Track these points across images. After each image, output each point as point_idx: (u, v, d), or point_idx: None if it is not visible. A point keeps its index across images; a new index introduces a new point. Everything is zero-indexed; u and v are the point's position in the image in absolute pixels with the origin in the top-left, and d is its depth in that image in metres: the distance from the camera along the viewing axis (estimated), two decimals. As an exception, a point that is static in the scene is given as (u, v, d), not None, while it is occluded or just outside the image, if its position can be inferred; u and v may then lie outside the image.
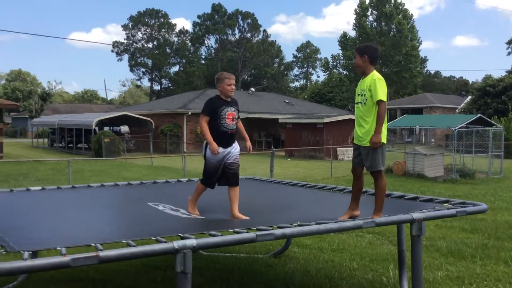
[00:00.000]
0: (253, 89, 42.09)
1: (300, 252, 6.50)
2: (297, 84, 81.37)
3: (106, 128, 31.89)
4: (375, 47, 4.25)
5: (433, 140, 32.03)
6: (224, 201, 5.71)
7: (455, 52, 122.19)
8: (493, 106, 32.88)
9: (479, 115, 19.19)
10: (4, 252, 2.88)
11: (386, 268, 5.69)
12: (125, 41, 69.28)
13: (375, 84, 3.87)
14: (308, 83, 79.20)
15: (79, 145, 31.55)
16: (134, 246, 2.80)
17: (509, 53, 68.04)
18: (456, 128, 16.92)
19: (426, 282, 5.04)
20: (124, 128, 30.93)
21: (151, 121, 30.41)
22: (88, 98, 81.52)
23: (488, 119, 19.48)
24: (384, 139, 3.97)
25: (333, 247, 6.75)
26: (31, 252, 2.69)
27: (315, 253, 6.45)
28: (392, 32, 58.75)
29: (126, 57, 69.92)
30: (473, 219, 8.62)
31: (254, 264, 5.95)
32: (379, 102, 3.90)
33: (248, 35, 68.09)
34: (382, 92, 3.87)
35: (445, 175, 16.67)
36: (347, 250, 6.64)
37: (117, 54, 69.77)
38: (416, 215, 3.89)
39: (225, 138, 4.56)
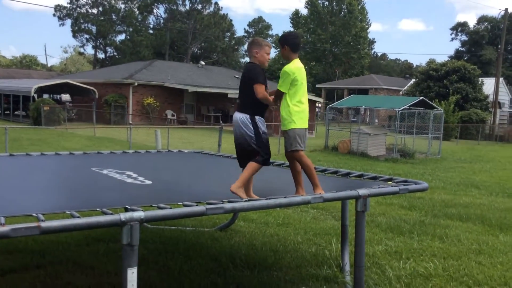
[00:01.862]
0: (202, 63, 41.46)
1: (246, 226, 6.55)
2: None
3: (45, 96, 30.42)
4: (295, 35, 4.31)
5: (376, 120, 33.04)
6: (177, 171, 5.63)
7: (401, 35, 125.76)
8: (435, 90, 34.23)
9: (421, 98, 19.94)
10: None
11: (328, 242, 5.86)
12: (68, 5, 65.80)
13: (282, 73, 3.97)
14: (258, 59, 78.96)
15: (16, 112, 29.98)
16: (78, 217, 2.69)
17: (452, 39, 70.94)
18: (400, 109, 17.50)
19: (367, 255, 5.22)
20: (65, 97, 29.61)
21: (95, 90, 29.35)
22: (26, 64, 77.22)
23: (430, 102, 20.27)
24: (301, 125, 3.96)
25: (279, 222, 6.86)
26: (-36, 222, 2.51)
27: (260, 227, 6.53)
28: (343, 12, 59.49)
29: (68, 22, 66.43)
30: (411, 197, 9.01)
31: (200, 237, 5.94)
32: (277, 90, 3.97)
33: (199, 6, 66.63)
34: (281, 81, 3.94)
35: (386, 154, 17.29)
36: (292, 224, 6.77)
37: (59, 18, 66.21)
38: (362, 191, 3.99)
39: (265, 109, 4.28)
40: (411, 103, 18.24)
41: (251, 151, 4.05)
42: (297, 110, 3.97)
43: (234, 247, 5.55)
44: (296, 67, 3.95)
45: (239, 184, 3.90)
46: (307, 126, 4.11)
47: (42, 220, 2.58)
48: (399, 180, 4.82)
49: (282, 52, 4.11)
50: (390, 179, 4.92)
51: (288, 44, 4.04)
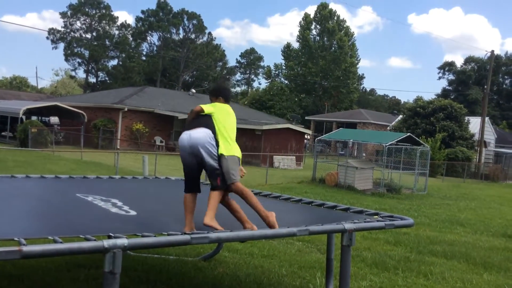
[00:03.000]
0: (193, 91, 41.74)
1: (230, 257, 6.48)
2: (238, 89, 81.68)
3: (34, 118, 30.27)
4: (227, 88, 4.56)
5: (364, 154, 33.28)
6: (163, 199, 5.58)
7: (389, 72, 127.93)
8: (422, 127, 34.69)
9: (408, 134, 20.19)
10: None
11: (313, 275, 5.81)
12: (62, 29, 66.22)
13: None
14: (249, 90, 79.76)
15: (3, 133, 29.70)
16: (61, 242, 2.65)
17: (439, 78, 72.37)
18: (387, 144, 17.67)
19: (351, 291, 5.19)
20: (54, 119, 29.48)
21: (84, 114, 29.28)
22: (16, 85, 76.95)
23: (417, 138, 20.52)
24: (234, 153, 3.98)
25: (264, 253, 6.80)
26: None
27: (245, 258, 6.46)
28: (333, 48, 60.60)
29: (62, 45, 66.86)
30: (397, 232, 9.01)
31: (183, 267, 5.86)
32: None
33: (193, 35, 67.52)
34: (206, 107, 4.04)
35: (373, 188, 17.35)
36: (277, 256, 6.71)
37: (53, 41, 66.51)
38: (348, 225, 3.99)
39: None
40: (398, 139, 18.45)
41: (212, 173, 3.87)
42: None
43: (217, 278, 5.48)
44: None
45: (212, 214, 3.75)
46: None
47: (24, 245, 2.54)
48: (385, 215, 4.84)
49: (214, 102, 4.22)
50: (376, 214, 4.93)
51: (222, 96, 4.24)
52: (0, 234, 3.09)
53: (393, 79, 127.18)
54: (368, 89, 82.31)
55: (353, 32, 62.95)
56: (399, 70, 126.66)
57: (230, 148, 3.97)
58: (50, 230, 3.50)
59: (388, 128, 41.40)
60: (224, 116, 4.05)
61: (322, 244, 7.51)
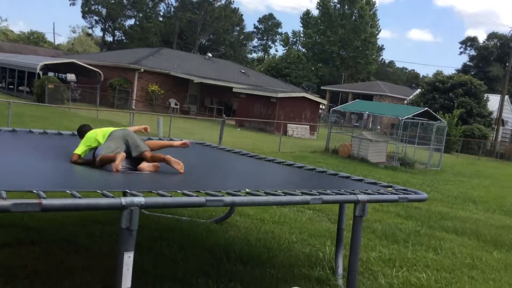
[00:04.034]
0: (210, 55, 41.37)
1: (242, 221, 6.56)
2: (254, 55, 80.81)
3: (51, 74, 30.41)
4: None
5: (379, 127, 33.04)
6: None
7: (409, 44, 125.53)
8: (440, 102, 34.18)
9: (426, 108, 19.91)
10: None
11: (323, 244, 5.86)
12: (81, -15, 65.65)
13: None
14: (265, 56, 78.91)
15: (20, 88, 29.95)
16: (79, 197, 2.69)
17: (461, 53, 70.83)
18: (403, 118, 17.48)
19: (360, 261, 5.22)
20: (71, 76, 29.57)
21: (100, 72, 29.31)
22: (34, 40, 77.04)
23: (434, 113, 20.25)
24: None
25: (275, 219, 6.86)
26: (-34, 192, 2.51)
27: (256, 223, 6.53)
28: (354, 16, 59.35)
29: (79, 2, 66.42)
30: (408, 206, 9.01)
31: (195, 228, 5.95)
32: None
33: (211, -2, 66.46)
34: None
35: (386, 161, 17.29)
36: (288, 223, 6.78)
37: (71, -3, 66.15)
38: (361, 196, 3.98)
39: None
40: (415, 113, 18.22)
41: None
42: None
43: (228, 240, 5.56)
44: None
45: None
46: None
47: (43, 198, 2.58)
48: (399, 188, 4.81)
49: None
50: (390, 186, 4.91)
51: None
52: (19, 186, 3.14)
53: (413, 51, 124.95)
54: (387, 61, 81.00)
55: (374, 1, 61.42)
56: (419, 43, 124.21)
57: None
58: (67, 184, 3.55)
59: (405, 101, 40.89)
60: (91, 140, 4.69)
61: (332, 214, 7.55)
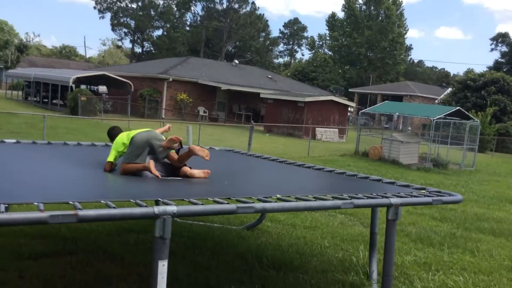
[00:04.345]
0: (236, 61, 41.65)
1: (273, 227, 6.56)
2: (281, 60, 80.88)
3: (83, 87, 31.19)
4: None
5: (410, 128, 32.49)
6: (208, 168, 5.66)
7: (438, 42, 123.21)
8: (472, 100, 33.39)
9: (458, 107, 19.48)
10: (-22, 203, 2.79)
11: (356, 248, 5.80)
12: (109, -1, 67.30)
13: None
14: (292, 61, 78.85)
15: (54, 101, 30.79)
16: (114, 207, 2.75)
17: (492, 50, 69.03)
18: (435, 118, 17.15)
19: (395, 265, 5.14)
20: (102, 88, 30.28)
21: (131, 83, 29.87)
22: (66, 54, 79.25)
23: (466, 112, 19.79)
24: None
25: (306, 224, 6.84)
26: (7, 205, 2.61)
27: (287, 229, 6.52)
28: (380, 17, 58.72)
29: (108, 15, 68.10)
30: (443, 208, 8.83)
31: (227, 235, 5.98)
32: None
33: (236, 5, 66.98)
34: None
35: (419, 163, 16.98)
36: (319, 228, 6.74)
37: (100, 11, 67.86)
38: (394, 200, 3.93)
39: None
40: (446, 113, 17.84)
41: None
42: None
43: (260, 246, 5.56)
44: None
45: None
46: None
47: (79, 209, 2.65)
48: (433, 191, 4.73)
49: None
50: (423, 189, 4.83)
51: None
52: (55, 198, 3.23)
53: (442, 50, 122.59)
54: (415, 61, 79.66)
55: (401, 1, 60.60)
56: (448, 41, 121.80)
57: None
58: (101, 194, 3.64)
59: (436, 101, 40.11)
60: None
61: (365, 217, 7.47)
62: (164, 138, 4.66)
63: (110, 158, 4.60)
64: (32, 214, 2.45)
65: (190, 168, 4.62)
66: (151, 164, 4.37)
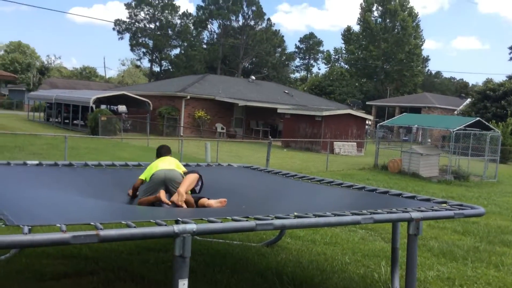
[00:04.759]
0: (253, 77, 41.93)
1: (292, 243, 6.52)
2: (297, 75, 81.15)
3: (103, 107, 31.72)
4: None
5: (429, 140, 32.12)
6: (226, 186, 5.70)
7: (456, 53, 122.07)
8: (492, 110, 32.92)
9: (478, 118, 19.22)
10: (3, 226, 2.86)
11: (378, 264, 5.73)
12: (127, 20, 68.70)
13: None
14: (308, 75, 79.02)
15: (75, 122, 31.35)
16: (134, 227, 2.79)
17: (511, 58, 68.11)
18: (455, 130, 16.95)
19: (418, 281, 5.07)
20: (122, 108, 30.79)
21: (149, 102, 30.27)
22: (86, 75, 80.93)
23: (487, 123, 19.51)
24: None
25: (326, 240, 6.78)
26: (30, 227, 2.66)
27: (307, 245, 6.47)
28: (396, 29, 58.60)
29: (127, 36, 69.48)
30: (465, 221, 8.67)
31: (246, 252, 5.97)
32: None
33: (252, 22, 67.65)
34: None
35: (439, 175, 16.74)
36: (340, 244, 6.67)
37: (119, 32, 69.27)
38: (415, 214, 3.89)
39: None
40: (466, 124, 17.61)
41: None
42: None
43: (280, 264, 5.54)
44: None
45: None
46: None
47: (101, 229, 2.69)
48: (454, 204, 4.66)
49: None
50: (444, 202, 4.77)
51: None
52: (77, 219, 3.29)
53: (460, 60, 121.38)
54: (433, 72, 78.95)
55: (417, 13, 60.50)
56: (466, 51, 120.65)
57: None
58: (122, 215, 3.69)
59: (455, 112, 39.63)
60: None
61: (386, 232, 7.38)
62: (183, 175, 4.78)
63: (142, 176, 4.83)
64: (55, 235, 2.50)
65: (208, 199, 4.71)
66: (162, 193, 4.50)
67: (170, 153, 5.42)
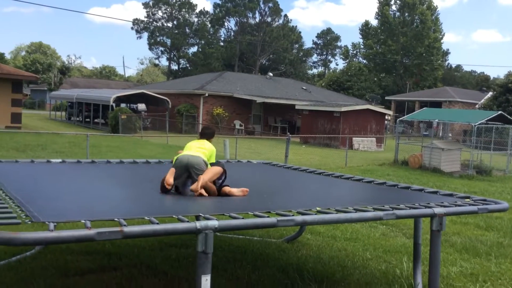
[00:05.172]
0: (271, 74, 41.86)
1: (313, 239, 6.51)
2: (315, 71, 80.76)
3: (123, 105, 32.06)
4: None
5: (450, 134, 31.67)
6: (246, 182, 5.71)
7: (476, 46, 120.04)
8: (515, 104, 32.32)
9: (500, 112, 18.88)
10: (29, 222, 2.92)
11: (399, 260, 5.68)
12: (145, 19, 69.24)
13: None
14: (326, 71, 78.56)
15: (96, 120, 31.77)
16: (157, 223, 2.82)
17: (533, 51, 66.51)
18: (476, 124, 16.68)
19: (440, 276, 5.01)
20: (141, 106, 31.10)
21: (168, 100, 30.49)
22: (106, 74, 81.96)
23: (509, 117, 19.14)
24: None
25: (346, 236, 6.75)
26: (56, 224, 2.72)
27: (328, 241, 6.46)
28: (415, 23, 57.79)
29: (145, 35, 70.01)
30: (488, 216, 8.54)
31: (267, 248, 5.98)
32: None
33: (269, 19, 67.49)
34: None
35: (461, 170, 16.51)
36: (360, 240, 6.64)
37: (137, 31, 69.84)
38: (438, 209, 3.85)
39: None
40: (488, 118, 17.32)
41: None
42: None
43: (301, 259, 5.53)
44: None
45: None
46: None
47: (124, 225, 2.73)
48: (477, 199, 4.60)
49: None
50: (468, 197, 4.71)
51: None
52: (102, 215, 3.34)
53: (481, 53, 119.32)
54: (453, 65, 77.80)
55: (436, 6, 59.50)
56: (487, 44, 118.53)
57: None
58: (144, 211, 3.73)
59: (477, 106, 38.97)
60: None
61: (407, 228, 7.32)
62: (207, 166, 4.73)
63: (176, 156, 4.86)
64: (80, 232, 2.55)
65: (229, 186, 4.69)
66: (169, 174, 4.52)
67: (212, 137, 5.25)
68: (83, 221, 2.85)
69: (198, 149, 4.87)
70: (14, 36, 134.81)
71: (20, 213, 3.07)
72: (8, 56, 75.87)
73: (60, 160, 6.17)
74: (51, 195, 4.01)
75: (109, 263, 5.03)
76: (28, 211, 3.09)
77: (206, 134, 5.17)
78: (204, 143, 5.01)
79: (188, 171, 4.61)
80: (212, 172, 4.60)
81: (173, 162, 4.76)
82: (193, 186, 4.46)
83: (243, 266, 5.10)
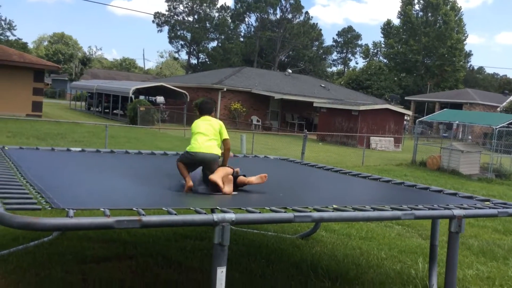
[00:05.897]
0: (290, 71, 41.73)
1: (327, 237, 6.49)
2: (334, 69, 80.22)
3: (142, 97, 32.34)
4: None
5: (470, 137, 31.22)
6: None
7: (499, 48, 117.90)
8: (537, 108, 31.70)
9: (522, 115, 18.54)
10: (49, 208, 2.96)
11: (414, 261, 5.63)
12: (167, 13, 69.53)
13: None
14: (345, 69, 78.01)
15: (115, 111, 32.11)
16: (175, 214, 2.83)
17: (559, 54, 65.10)
18: (497, 127, 16.41)
19: (456, 279, 4.95)
20: (160, 99, 31.33)
21: (186, 93, 30.64)
22: (126, 66, 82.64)
23: (531, 121, 18.77)
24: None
25: (361, 235, 6.71)
26: (75, 211, 2.75)
27: (342, 239, 6.43)
28: (438, 23, 57.00)
29: (166, 28, 70.34)
30: (507, 220, 8.41)
31: (281, 243, 5.98)
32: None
33: (290, 15, 67.23)
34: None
35: (480, 173, 16.28)
36: (376, 239, 6.59)
37: (158, 25, 70.19)
38: (457, 211, 3.80)
39: None
40: (510, 121, 17.02)
41: None
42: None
43: (315, 256, 5.52)
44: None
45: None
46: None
47: (143, 215, 2.75)
48: (497, 202, 4.53)
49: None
50: (487, 200, 4.63)
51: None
52: (120, 204, 3.37)
53: (503, 56, 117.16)
54: (475, 67, 76.55)
55: (460, 7, 58.57)
56: (510, 47, 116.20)
57: None
58: (162, 202, 3.75)
59: (498, 109, 38.34)
60: None
61: (423, 229, 7.25)
62: (220, 156, 4.58)
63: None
64: (99, 220, 2.58)
65: (245, 176, 4.58)
66: (186, 178, 4.34)
67: (213, 110, 4.91)
68: (102, 209, 2.88)
69: (209, 136, 4.53)
70: (37, 26, 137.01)
71: (40, 199, 3.12)
72: (31, 45, 77.09)
73: (79, 149, 6.24)
74: (71, 182, 4.06)
75: (125, 252, 5.09)
76: (48, 198, 3.13)
77: (207, 109, 4.82)
78: (211, 121, 4.68)
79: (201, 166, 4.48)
80: (222, 172, 4.44)
81: (188, 152, 4.47)
82: (213, 177, 4.24)
83: (257, 260, 5.11)
